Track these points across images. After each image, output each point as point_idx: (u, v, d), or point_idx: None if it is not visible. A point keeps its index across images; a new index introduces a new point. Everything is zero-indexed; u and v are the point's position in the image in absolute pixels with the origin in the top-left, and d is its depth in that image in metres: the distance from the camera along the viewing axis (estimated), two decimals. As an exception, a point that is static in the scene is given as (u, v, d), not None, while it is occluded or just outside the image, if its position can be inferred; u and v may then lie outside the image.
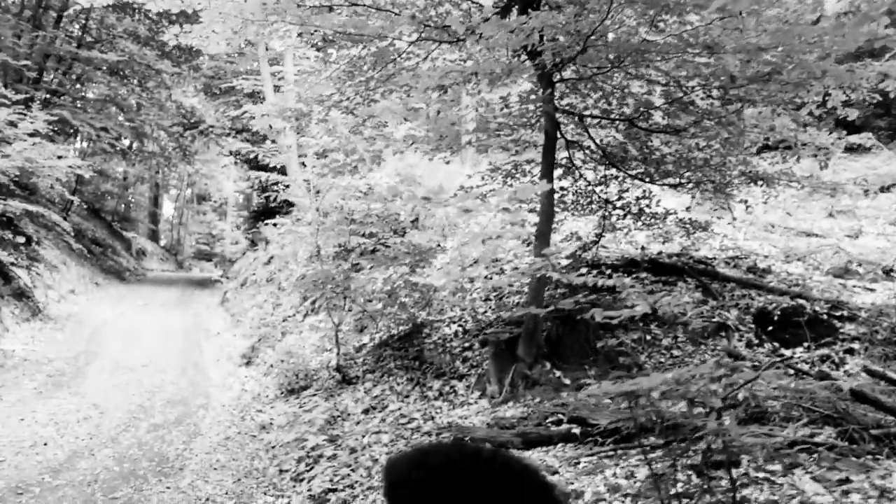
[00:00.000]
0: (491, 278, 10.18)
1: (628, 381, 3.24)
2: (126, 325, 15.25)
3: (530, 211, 9.31)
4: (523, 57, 7.30)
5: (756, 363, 6.58)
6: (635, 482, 5.07)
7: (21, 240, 14.85)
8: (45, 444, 7.43)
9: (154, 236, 36.23)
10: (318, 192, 10.81)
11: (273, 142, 17.27)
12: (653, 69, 6.66)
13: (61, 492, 6.14)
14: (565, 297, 8.49)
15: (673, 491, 4.48)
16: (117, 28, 21.15)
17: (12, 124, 13.21)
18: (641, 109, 7.54)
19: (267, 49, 17.66)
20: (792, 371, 6.45)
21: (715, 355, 7.21)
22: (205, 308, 19.59)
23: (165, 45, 22.61)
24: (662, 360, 7.48)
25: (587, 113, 7.92)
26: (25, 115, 13.50)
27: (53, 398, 9.39)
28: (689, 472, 4.83)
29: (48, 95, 18.20)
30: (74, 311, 16.18)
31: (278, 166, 17.93)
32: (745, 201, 8.09)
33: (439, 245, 10.64)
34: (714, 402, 3.66)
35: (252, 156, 18.19)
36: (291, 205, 17.19)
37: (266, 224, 16.38)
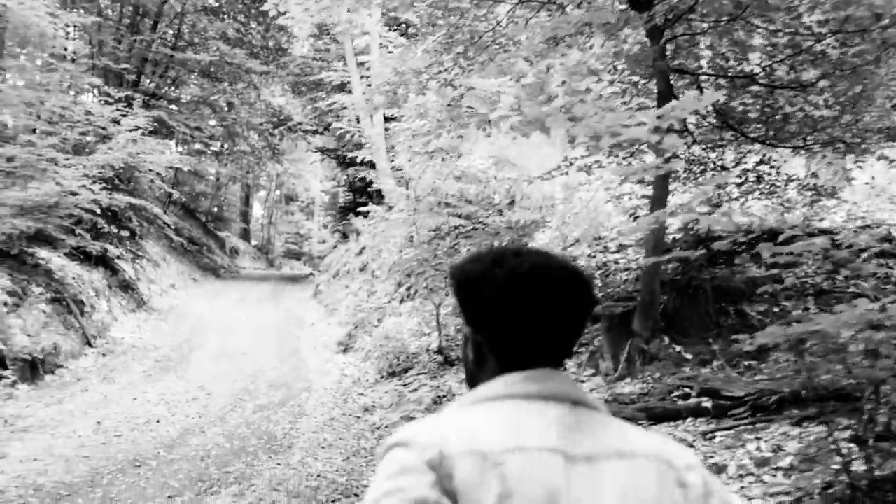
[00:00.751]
0: (594, 256, 9.74)
1: (807, 321, 2.83)
2: (224, 318, 15.53)
3: (637, 182, 8.84)
4: (631, 13, 6.88)
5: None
6: (785, 455, 4.60)
7: (126, 234, 15.36)
8: (158, 422, 7.51)
9: (245, 235, 37.14)
10: (409, 178, 10.67)
11: (359, 121, 17.18)
12: (781, 14, 6.11)
13: (176, 465, 6.14)
14: (678, 267, 8.00)
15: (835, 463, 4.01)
16: (209, 31, 21.74)
17: (115, 122, 13.64)
18: (764, 65, 6.98)
19: (353, 41, 17.69)
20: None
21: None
22: (297, 302, 19.83)
23: (254, 45, 23.31)
24: (794, 333, 6.89)
25: (701, 71, 7.40)
26: (127, 112, 13.93)
27: (161, 381, 9.55)
28: (850, 445, 4.33)
29: (147, 97, 18.80)
30: (175, 304, 16.62)
31: (366, 159, 17.97)
32: (887, 157, 7.36)
33: (535, 222, 10.25)
34: (902, 353, 3.19)
35: (345, 138, 18.23)
36: (381, 198, 17.16)
37: (357, 215, 16.41)
